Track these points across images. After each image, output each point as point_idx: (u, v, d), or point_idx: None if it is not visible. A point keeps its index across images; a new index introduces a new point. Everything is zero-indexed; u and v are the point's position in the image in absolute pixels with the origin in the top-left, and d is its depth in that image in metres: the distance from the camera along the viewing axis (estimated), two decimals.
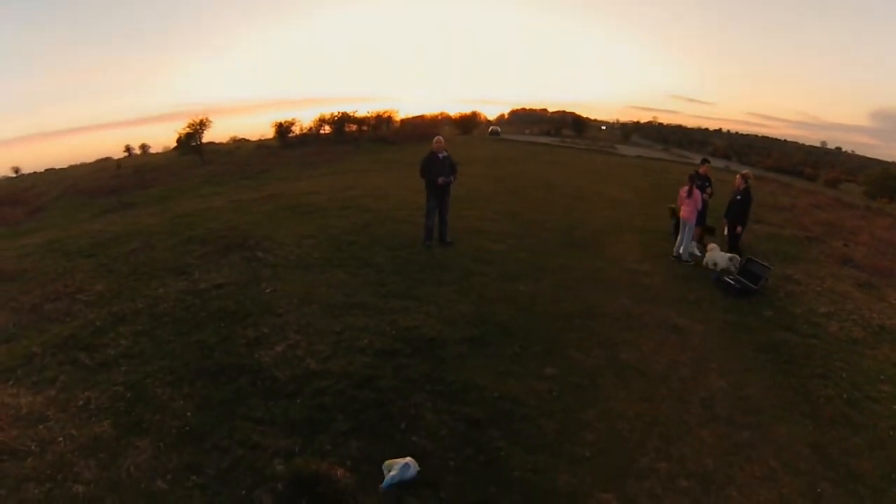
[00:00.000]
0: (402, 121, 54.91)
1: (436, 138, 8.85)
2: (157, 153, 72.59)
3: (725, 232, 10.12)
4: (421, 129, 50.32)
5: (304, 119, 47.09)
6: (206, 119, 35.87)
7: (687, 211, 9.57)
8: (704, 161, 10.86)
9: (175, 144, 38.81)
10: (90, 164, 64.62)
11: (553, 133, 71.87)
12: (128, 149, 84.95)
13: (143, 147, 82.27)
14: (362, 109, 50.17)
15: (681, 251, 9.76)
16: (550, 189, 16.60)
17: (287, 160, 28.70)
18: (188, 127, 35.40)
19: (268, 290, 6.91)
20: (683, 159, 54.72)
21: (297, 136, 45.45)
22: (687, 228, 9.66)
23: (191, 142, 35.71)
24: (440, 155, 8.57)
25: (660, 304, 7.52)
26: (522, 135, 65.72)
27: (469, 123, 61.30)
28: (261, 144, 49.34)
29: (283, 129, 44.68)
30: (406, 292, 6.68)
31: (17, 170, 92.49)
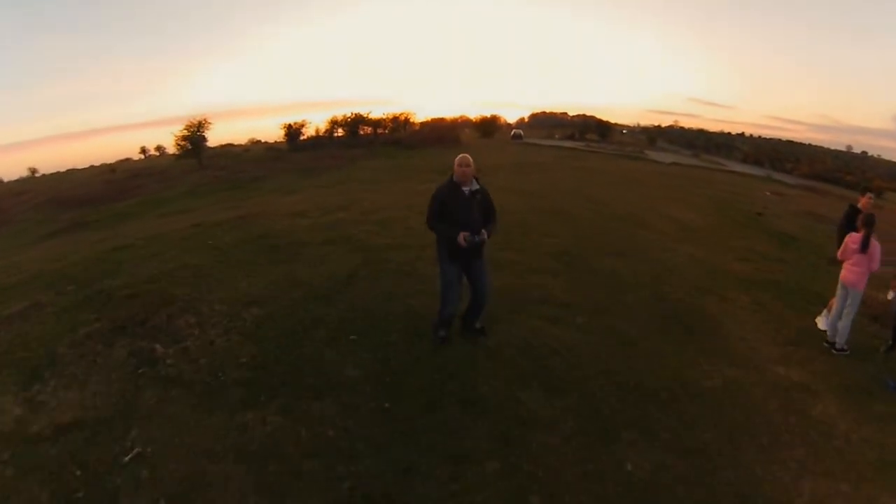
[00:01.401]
0: (421, 123, 51.59)
1: (459, 158, 4.68)
2: (171, 155, 70.68)
3: (891, 296, 6.54)
4: (440, 131, 46.86)
5: (323, 121, 44.16)
6: (205, 121, 32.80)
7: (857, 273, 5.87)
8: (866, 190, 6.92)
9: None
10: (110, 164, 62.57)
11: (577, 137, 67.98)
12: (143, 150, 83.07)
13: (160, 148, 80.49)
14: (378, 111, 47.09)
15: (832, 333, 6.12)
16: (599, 207, 12.92)
17: (290, 166, 25.42)
18: (186, 129, 32.31)
19: (127, 458, 3.46)
20: (719, 166, 50.46)
21: (308, 139, 42.45)
22: (850, 298, 5.98)
23: (189, 145, 32.63)
24: (466, 189, 4.67)
25: (863, 476, 3.91)
26: (546, 139, 61.92)
27: (490, 127, 57.73)
28: (271, 147, 46.44)
29: (292, 132, 41.64)
30: (393, 494, 3.11)
31: (34, 171, 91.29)
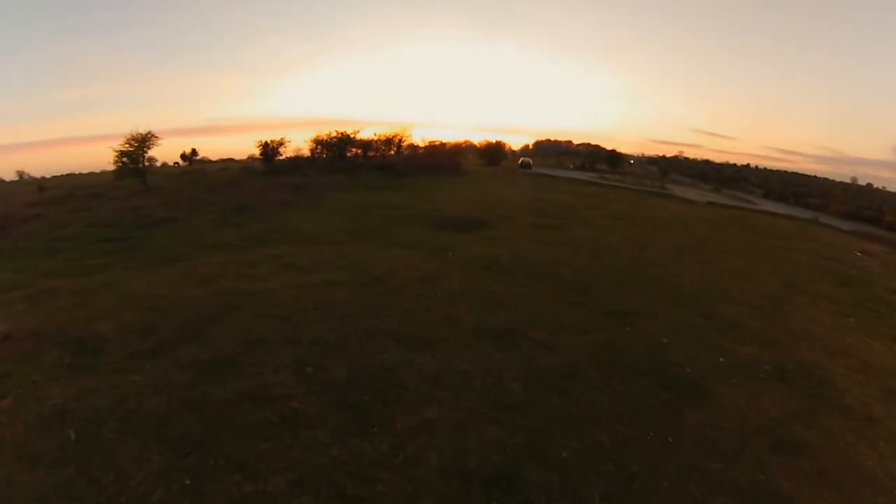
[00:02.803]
0: (417, 147, 45.30)
1: None
2: (154, 167, 64.56)
3: None
4: (439, 157, 40.57)
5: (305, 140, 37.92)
6: (151, 135, 26.29)
7: None
8: None
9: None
10: (84, 174, 56.45)
11: (587, 167, 61.92)
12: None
13: (150, 160, 73.94)
14: (370, 131, 40.74)
15: None
16: (718, 334, 6.34)
17: (230, 199, 18.91)
18: (126, 144, 25.83)
19: None
20: (751, 205, 44.11)
21: (287, 160, 36.23)
22: None
23: (130, 163, 26.16)
24: None
25: None
26: (555, 168, 55.79)
27: (495, 154, 51.48)
28: (246, 167, 40.15)
29: (269, 151, 35.38)
30: None
31: (21, 174, 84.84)
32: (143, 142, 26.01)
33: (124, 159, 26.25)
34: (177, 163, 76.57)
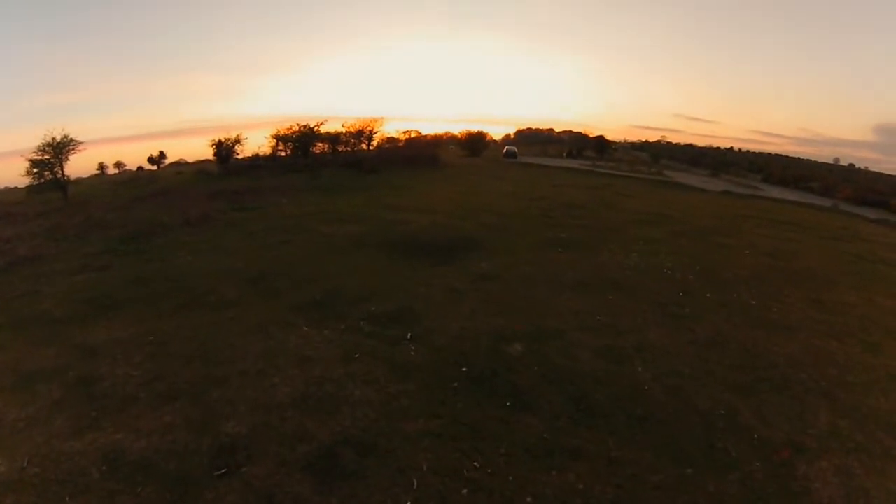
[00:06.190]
0: (399, 139, 40.69)
1: None
2: (115, 174, 59.70)
3: None
4: (415, 148, 36.13)
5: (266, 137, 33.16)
6: (68, 138, 21.24)
7: None
8: None
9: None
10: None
11: (575, 154, 57.87)
12: (101, 167, 71.37)
13: (118, 164, 68.73)
14: (337, 124, 35.91)
15: None
16: None
17: (138, 217, 14.39)
18: (39, 151, 20.80)
19: None
20: (759, 192, 40.36)
21: (246, 160, 31.66)
22: None
23: (47, 173, 21.15)
24: None
25: None
26: (540, 156, 51.59)
27: (476, 143, 46.99)
28: (201, 170, 35.30)
29: (222, 152, 30.60)
30: None
31: None
32: (59, 149, 21.02)
33: (35, 170, 21.31)
34: (140, 167, 71.05)
